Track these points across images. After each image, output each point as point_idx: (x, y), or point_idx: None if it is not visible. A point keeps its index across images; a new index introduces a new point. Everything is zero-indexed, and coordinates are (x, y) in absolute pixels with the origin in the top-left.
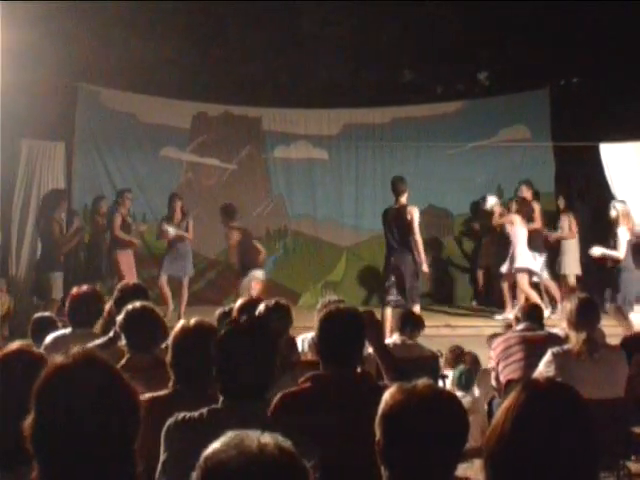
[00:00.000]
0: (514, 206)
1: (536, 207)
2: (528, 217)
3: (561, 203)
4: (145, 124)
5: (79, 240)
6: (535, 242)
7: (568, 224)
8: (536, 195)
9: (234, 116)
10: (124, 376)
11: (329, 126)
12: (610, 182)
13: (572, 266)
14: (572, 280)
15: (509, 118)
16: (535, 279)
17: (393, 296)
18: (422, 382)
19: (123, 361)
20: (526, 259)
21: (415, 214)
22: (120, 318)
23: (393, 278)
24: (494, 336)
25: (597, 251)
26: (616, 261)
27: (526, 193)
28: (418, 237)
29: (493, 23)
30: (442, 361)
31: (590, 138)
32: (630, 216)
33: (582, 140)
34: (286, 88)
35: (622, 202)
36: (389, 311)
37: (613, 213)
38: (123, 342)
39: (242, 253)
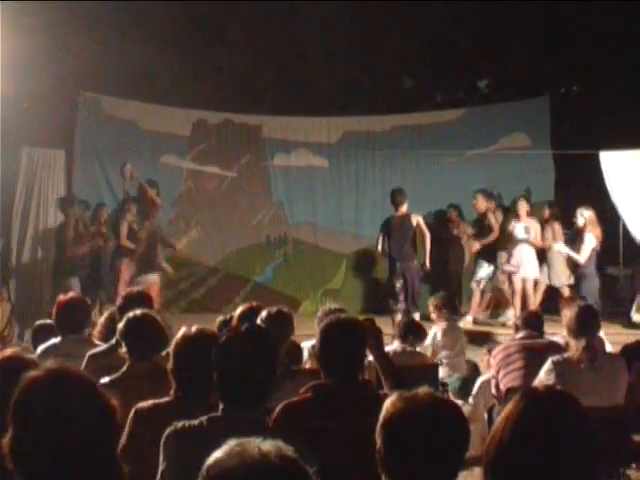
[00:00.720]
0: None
1: (497, 217)
2: (484, 230)
3: (545, 212)
4: (145, 132)
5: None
6: (486, 251)
7: (552, 234)
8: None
9: (234, 124)
10: (97, 386)
11: (329, 134)
12: (610, 190)
13: (561, 278)
14: (565, 291)
15: (509, 126)
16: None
17: (401, 303)
18: (423, 390)
19: (124, 368)
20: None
21: (421, 221)
22: (121, 326)
23: (399, 285)
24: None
25: (563, 249)
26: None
27: (481, 204)
28: (428, 243)
29: (493, 31)
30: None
31: (590, 146)
32: (596, 223)
33: (582, 148)
34: (286, 96)
35: (589, 210)
36: (399, 317)
37: (580, 220)
38: (124, 350)
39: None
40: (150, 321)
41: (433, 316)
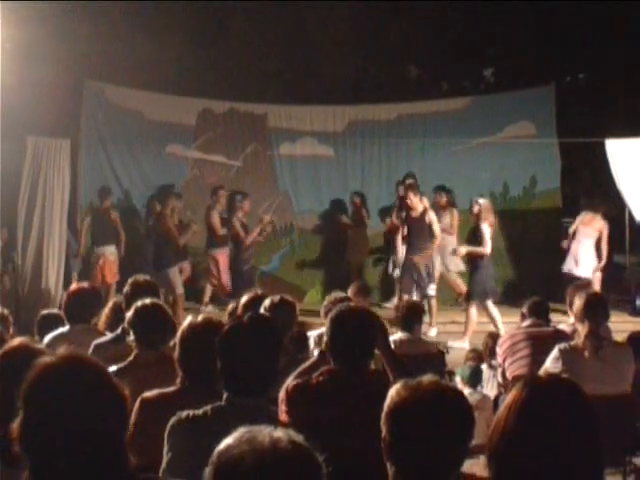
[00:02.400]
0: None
1: (453, 215)
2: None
3: (442, 199)
4: (150, 121)
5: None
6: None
7: (450, 220)
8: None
9: (239, 113)
10: (110, 374)
11: (335, 123)
12: (616, 178)
13: (450, 265)
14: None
15: (515, 115)
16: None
17: (431, 290)
18: (427, 378)
19: (131, 357)
20: None
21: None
22: (130, 314)
23: (417, 273)
24: (490, 336)
25: (462, 250)
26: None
27: (439, 198)
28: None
29: (498, 20)
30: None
31: (596, 134)
32: (491, 211)
33: (588, 136)
34: (291, 85)
35: (484, 197)
36: (434, 302)
37: (476, 208)
38: (131, 338)
39: None
40: (159, 310)
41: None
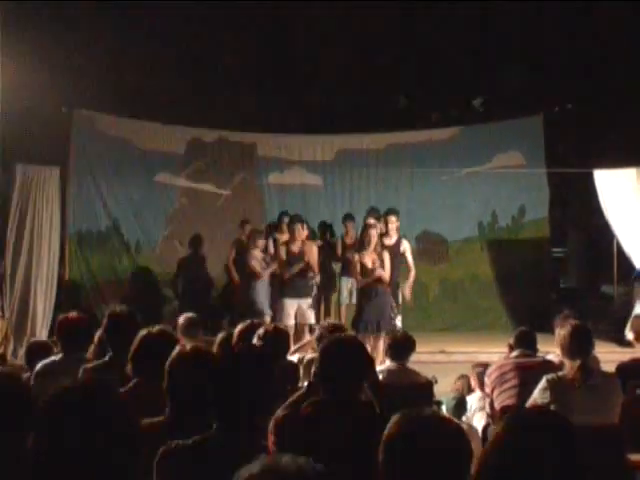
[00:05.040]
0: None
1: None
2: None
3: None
4: (139, 149)
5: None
6: None
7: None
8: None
9: (228, 142)
10: (129, 407)
11: (323, 152)
12: (604, 209)
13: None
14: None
15: (503, 144)
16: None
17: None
18: (427, 410)
19: (130, 385)
20: None
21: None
22: (135, 345)
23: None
24: (480, 365)
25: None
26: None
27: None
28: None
29: (488, 50)
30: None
31: (584, 164)
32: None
33: (576, 166)
34: (280, 114)
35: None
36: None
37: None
38: (129, 367)
39: None
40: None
41: None
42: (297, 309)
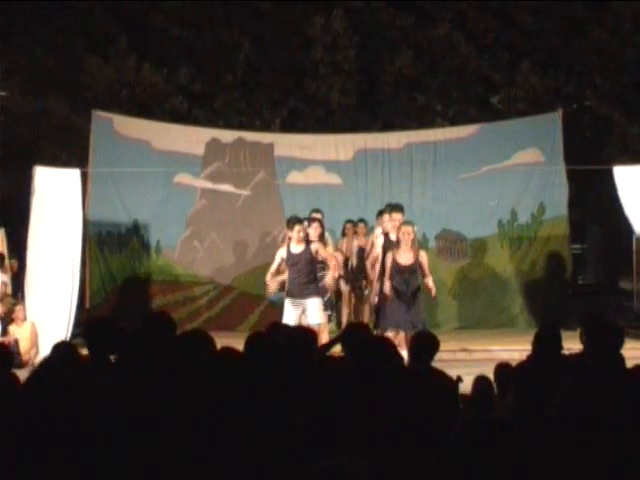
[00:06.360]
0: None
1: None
2: None
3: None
4: (158, 151)
5: None
6: None
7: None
8: None
9: (247, 142)
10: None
11: (342, 151)
12: (624, 205)
13: None
14: None
15: (522, 142)
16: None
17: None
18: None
19: None
20: None
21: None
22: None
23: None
24: (502, 366)
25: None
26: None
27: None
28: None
29: (505, 47)
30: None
31: (603, 161)
32: None
33: (596, 162)
34: (299, 113)
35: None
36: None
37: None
38: None
39: None
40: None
41: None
42: (301, 310)
